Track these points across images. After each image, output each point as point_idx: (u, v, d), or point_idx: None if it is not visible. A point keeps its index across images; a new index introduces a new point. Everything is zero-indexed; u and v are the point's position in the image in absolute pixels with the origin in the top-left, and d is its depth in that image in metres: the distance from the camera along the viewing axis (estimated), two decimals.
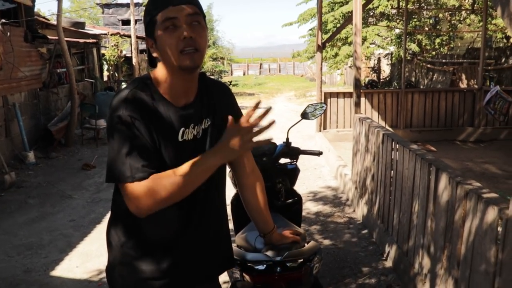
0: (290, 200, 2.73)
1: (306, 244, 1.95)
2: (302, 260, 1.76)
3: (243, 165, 1.72)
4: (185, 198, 1.46)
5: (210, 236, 1.58)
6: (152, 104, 1.42)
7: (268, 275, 1.73)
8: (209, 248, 1.59)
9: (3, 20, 7.33)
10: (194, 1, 1.43)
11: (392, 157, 3.75)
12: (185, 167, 1.36)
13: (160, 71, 1.47)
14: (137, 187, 1.33)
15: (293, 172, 2.80)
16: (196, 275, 1.57)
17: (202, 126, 1.52)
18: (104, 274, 3.66)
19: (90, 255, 4.10)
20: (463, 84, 12.89)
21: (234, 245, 2.05)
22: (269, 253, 1.77)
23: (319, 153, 2.88)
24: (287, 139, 2.77)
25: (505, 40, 13.55)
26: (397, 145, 3.61)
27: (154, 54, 1.45)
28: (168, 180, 1.34)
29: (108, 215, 1.62)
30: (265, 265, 1.74)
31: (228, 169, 2.21)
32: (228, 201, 2.86)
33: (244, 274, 1.78)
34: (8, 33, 7.31)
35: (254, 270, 1.75)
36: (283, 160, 2.77)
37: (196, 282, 1.58)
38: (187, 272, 1.55)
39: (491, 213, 2.12)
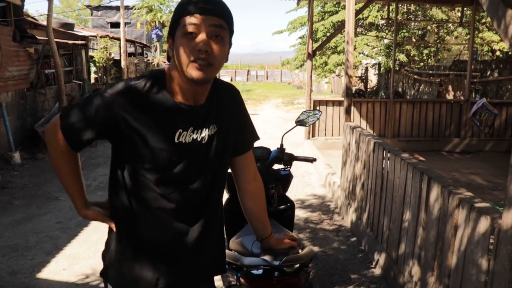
0: (283, 206, 2.73)
1: (301, 250, 1.95)
2: (299, 265, 1.76)
3: (245, 171, 1.71)
4: (184, 201, 1.46)
5: (206, 240, 1.57)
6: (151, 100, 1.40)
7: (266, 280, 1.73)
8: (205, 252, 1.57)
9: None
10: (224, 15, 1.38)
11: (383, 166, 3.78)
12: (66, 182, 1.59)
13: (173, 70, 1.45)
14: (57, 128, 1.46)
15: (286, 178, 2.81)
16: (191, 278, 1.56)
17: (209, 132, 1.49)
18: (91, 277, 3.65)
19: (77, 257, 4.04)
20: (450, 96, 13.07)
21: (228, 250, 2.05)
22: (267, 257, 1.77)
23: (313, 160, 2.89)
24: (281, 145, 2.77)
25: (490, 54, 13.80)
26: (389, 154, 3.64)
27: (170, 53, 1.43)
28: (60, 161, 1.53)
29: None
30: (262, 270, 1.74)
31: None
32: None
33: (240, 279, 1.77)
34: None
35: (251, 275, 1.75)
36: (276, 166, 2.78)
37: (190, 285, 1.57)
38: (182, 274, 1.53)
39: (484, 223, 2.14)
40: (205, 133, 1.48)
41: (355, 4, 5.96)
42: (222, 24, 1.37)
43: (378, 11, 13.71)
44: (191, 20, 1.34)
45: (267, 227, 1.79)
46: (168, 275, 1.50)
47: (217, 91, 1.54)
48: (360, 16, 13.58)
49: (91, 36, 14.25)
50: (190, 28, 1.34)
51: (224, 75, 39.56)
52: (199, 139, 1.47)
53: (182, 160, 1.45)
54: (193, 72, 1.36)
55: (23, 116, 8.59)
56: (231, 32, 1.42)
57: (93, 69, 14.77)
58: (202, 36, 1.35)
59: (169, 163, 1.43)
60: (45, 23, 9.04)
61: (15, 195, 5.90)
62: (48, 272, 3.77)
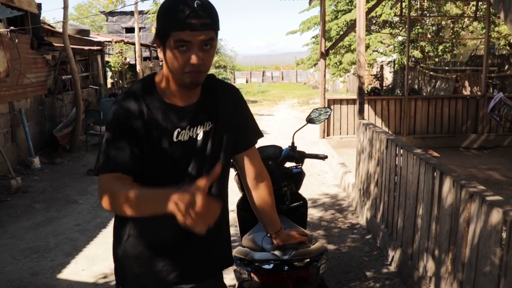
0: (295, 204, 2.75)
1: (312, 245, 1.97)
2: (309, 259, 1.79)
3: (250, 168, 1.73)
4: (192, 174, 1.51)
5: (211, 234, 1.60)
6: (147, 105, 1.46)
7: (276, 274, 1.76)
8: (210, 246, 1.61)
9: (11, 28, 7.42)
10: (212, 25, 1.40)
11: (396, 162, 3.77)
12: (141, 195, 1.30)
13: (164, 73, 1.51)
14: (102, 182, 1.41)
15: (299, 176, 2.82)
16: (199, 272, 1.59)
17: (204, 129, 1.54)
18: (110, 277, 3.71)
19: (96, 258, 4.13)
20: (466, 91, 12.90)
21: (240, 247, 2.08)
22: (277, 252, 1.79)
23: (324, 157, 2.90)
24: (293, 143, 2.79)
25: (508, 48, 13.59)
26: (401, 150, 3.64)
27: (160, 56, 1.47)
28: (121, 196, 1.32)
29: (113, 220, 1.66)
30: (272, 264, 1.77)
31: (234, 173, 2.25)
32: (234, 205, 2.89)
33: (251, 274, 1.80)
34: (16, 40, 7.40)
35: (262, 269, 1.78)
36: (288, 164, 2.80)
37: (199, 279, 1.61)
38: (190, 269, 1.57)
39: (496, 216, 2.14)
40: (200, 130, 1.53)
41: (367, 3, 5.95)
42: (211, 36, 1.40)
43: (391, 8, 13.62)
44: (183, 37, 1.36)
45: (276, 222, 1.81)
46: (176, 270, 1.54)
47: (212, 90, 1.59)
48: (373, 13, 13.51)
49: (106, 41, 14.46)
50: (181, 43, 1.37)
51: (240, 77, 39.71)
52: (194, 137, 1.52)
53: (182, 158, 1.50)
54: (186, 79, 1.43)
55: (41, 122, 8.77)
56: (217, 30, 1.44)
57: (109, 74, 14.98)
58: (194, 51, 1.39)
59: (170, 162, 1.49)
60: (61, 30, 9.21)
61: (36, 199, 6.03)
62: (68, 273, 3.86)
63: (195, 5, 1.35)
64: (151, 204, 1.26)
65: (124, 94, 1.50)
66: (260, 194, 1.76)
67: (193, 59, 1.39)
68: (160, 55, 1.47)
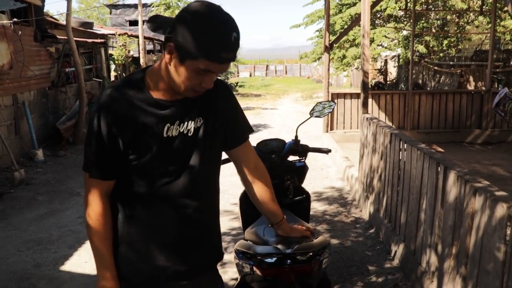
0: (298, 198, 2.74)
1: (314, 239, 1.96)
2: (311, 253, 1.78)
3: (244, 162, 1.74)
4: (177, 192, 1.51)
5: (204, 228, 1.62)
6: (134, 102, 1.45)
7: (278, 268, 1.75)
8: (203, 240, 1.62)
9: (14, 20, 7.41)
10: (234, 58, 1.39)
11: (400, 157, 3.75)
12: (97, 239, 1.51)
13: (160, 70, 1.48)
14: (87, 183, 1.51)
15: (302, 170, 2.81)
16: (193, 267, 1.59)
17: (194, 125, 1.53)
18: None
19: None
20: (471, 86, 12.83)
21: (243, 240, 2.08)
22: (279, 246, 1.79)
23: (327, 151, 2.89)
24: (296, 136, 2.78)
25: None
26: (405, 145, 3.62)
27: (167, 56, 1.41)
28: (89, 227, 1.52)
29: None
30: (275, 258, 1.76)
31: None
32: (237, 199, 2.89)
33: (254, 267, 1.80)
34: (19, 32, 7.39)
35: (264, 263, 1.77)
36: (291, 158, 2.79)
37: (194, 274, 1.61)
38: (185, 264, 1.57)
39: (500, 211, 2.12)
40: (191, 125, 1.52)
41: None
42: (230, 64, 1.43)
43: (396, 2, 13.53)
44: (209, 67, 1.36)
45: (277, 213, 1.81)
46: (171, 266, 1.55)
47: None
48: (378, 7, 13.44)
49: (110, 34, 14.43)
50: (204, 70, 1.37)
51: (243, 71, 39.65)
52: (185, 132, 1.51)
53: (172, 154, 1.50)
54: (189, 94, 1.46)
55: (45, 114, 8.78)
56: None
57: (112, 66, 14.95)
58: (211, 76, 1.41)
59: (160, 158, 1.48)
60: (65, 22, 9.19)
61: (39, 191, 6.05)
62: (71, 265, 3.87)
63: (233, 39, 1.35)
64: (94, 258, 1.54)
65: (110, 91, 1.47)
66: (258, 186, 1.76)
67: (208, 84, 1.42)
68: (166, 56, 1.41)
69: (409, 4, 9.26)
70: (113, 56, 14.76)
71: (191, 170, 1.53)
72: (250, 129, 1.75)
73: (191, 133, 1.52)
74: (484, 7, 10.09)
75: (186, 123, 1.51)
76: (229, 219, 4.76)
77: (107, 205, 1.52)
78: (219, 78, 1.58)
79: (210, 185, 1.63)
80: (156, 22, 1.47)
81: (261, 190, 1.77)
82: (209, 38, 1.32)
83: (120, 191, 1.54)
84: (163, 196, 1.51)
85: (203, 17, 1.34)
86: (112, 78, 14.83)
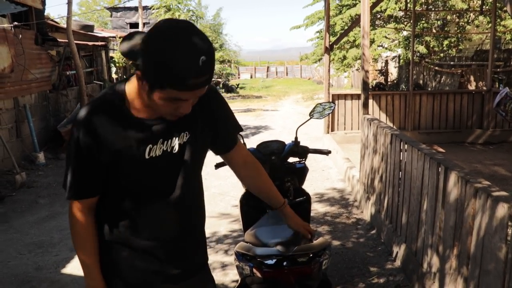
0: (299, 199, 2.74)
1: (314, 241, 1.96)
2: (311, 255, 1.78)
3: (234, 159, 1.74)
4: (163, 208, 1.49)
5: (192, 237, 1.61)
6: (113, 123, 1.38)
7: (278, 270, 1.75)
8: (193, 249, 1.62)
9: (15, 23, 7.43)
10: (211, 78, 1.29)
11: (401, 158, 3.75)
12: (84, 252, 1.51)
13: (136, 89, 1.39)
14: (72, 212, 1.50)
15: (302, 171, 2.81)
16: (181, 273, 1.59)
17: (179, 141, 1.46)
18: None
19: None
20: (472, 87, 12.82)
21: (242, 242, 2.07)
22: (279, 247, 1.79)
23: (327, 152, 2.89)
24: (296, 138, 2.78)
25: None
26: (406, 145, 3.61)
27: (139, 83, 1.33)
28: (74, 239, 1.53)
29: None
30: (274, 260, 1.76)
31: None
32: (237, 201, 2.89)
33: (254, 269, 1.79)
34: (20, 36, 7.40)
35: (264, 264, 1.77)
36: (292, 159, 2.79)
37: (181, 279, 1.60)
38: (172, 270, 1.56)
39: (501, 211, 2.12)
40: (175, 142, 1.46)
41: None
42: (205, 89, 1.31)
43: (396, 2, 13.53)
44: (179, 96, 1.28)
45: (277, 198, 1.82)
46: (160, 271, 1.54)
47: None
48: (378, 8, 13.43)
49: (110, 37, 14.46)
50: (175, 99, 1.30)
51: (244, 72, 39.68)
52: (169, 150, 1.45)
53: (156, 173, 1.45)
54: (168, 117, 1.38)
55: (46, 117, 8.79)
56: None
57: (113, 69, 14.97)
58: (187, 105, 1.33)
59: (143, 178, 1.45)
60: (65, 25, 9.21)
61: (40, 194, 6.06)
62: (72, 268, 3.86)
63: (200, 63, 1.22)
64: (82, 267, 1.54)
65: (87, 111, 1.39)
66: (251, 179, 1.79)
67: (185, 109, 1.34)
68: (138, 83, 1.34)
69: (409, 5, 9.27)
70: (114, 59, 14.78)
71: (177, 185, 1.49)
72: (239, 129, 1.71)
73: (176, 150, 1.46)
74: (484, 7, 10.09)
75: (170, 140, 1.44)
76: (229, 221, 4.76)
77: (91, 218, 1.51)
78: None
79: (195, 190, 1.60)
80: (129, 43, 1.37)
81: (254, 182, 1.79)
82: (173, 65, 1.20)
83: (104, 204, 1.52)
84: (150, 209, 1.49)
85: (165, 41, 1.22)
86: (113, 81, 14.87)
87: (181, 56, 1.20)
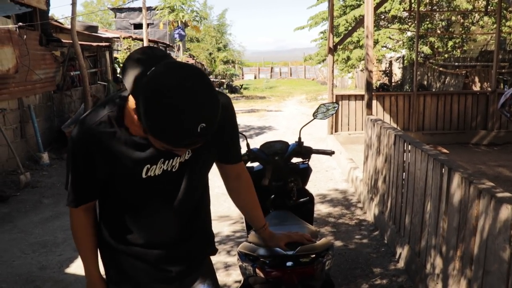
0: (302, 200, 2.73)
1: (317, 241, 1.96)
2: (314, 255, 1.77)
3: (228, 172, 1.73)
4: (163, 221, 1.50)
5: (190, 239, 1.60)
6: (111, 141, 1.35)
7: (281, 270, 1.74)
8: (188, 249, 1.61)
9: (20, 24, 7.46)
10: (204, 138, 1.18)
11: (404, 158, 3.74)
12: (83, 249, 1.58)
13: (133, 109, 1.30)
14: (71, 213, 1.53)
15: (305, 172, 2.80)
16: (179, 272, 1.59)
17: (180, 159, 1.43)
18: None
19: None
20: (476, 87, 12.79)
21: (246, 242, 2.07)
22: (282, 248, 1.78)
23: (331, 153, 2.88)
24: (299, 138, 2.78)
25: None
26: (409, 146, 3.61)
27: (136, 116, 1.24)
28: (76, 239, 1.57)
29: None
30: (277, 260, 1.76)
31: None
32: None
33: (256, 269, 1.79)
34: (24, 37, 7.44)
35: (267, 264, 1.77)
36: (295, 160, 2.79)
37: (183, 276, 1.61)
38: (174, 267, 1.58)
39: (505, 212, 2.11)
40: (176, 161, 1.43)
41: None
42: (202, 144, 1.23)
43: (400, 3, 13.52)
44: (173, 148, 1.23)
45: (258, 220, 1.80)
46: (162, 267, 1.56)
47: None
48: (383, 9, 13.42)
49: (114, 37, 14.50)
50: (169, 148, 1.24)
51: (248, 73, 39.74)
52: (169, 169, 1.42)
53: (154, 191, 1.45)
54: (160, 148, 1.29)
55: (50, 117, 8.82)
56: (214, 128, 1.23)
57: (117, 70, 15.02)
58: (182, 151, 1.33)
59: (140, 195, 1.45)
60: (69, 26, 9.25)
61: (44, 194, 6.08)
62: (76, 267, 3.87)
63: (198, 129, 1.13)
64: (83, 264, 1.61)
65: (83, 128, 1.36)
66: (238, 194, 1.78)
67: (181, 153, 1.35)
68: (135, 116, 1.25)
69: (413, 5, 9.24)
70: (118, 59, 14.83)
71: (177, 199, 1.49)
72: (240, 155, 1.71)
73: (176, 168, 1.44)
74: (489, 7, 10.05)
75: (172, 160, 1.42)
76: (232, 222, 4.76)
77: (90, 218, 1.54)
78: (220, 92, 1.45)
79: (195, 201, 1.58)
80: (133, 73, 1.25)
81: (240, 199, 1.78)
82: (170, 130, 1.14)
83: (104, 204, 1.54)
84: (149, 217, 1.50)
85: (165, 106, 1.12)
86: None
87: (179, 123, 1.12)
